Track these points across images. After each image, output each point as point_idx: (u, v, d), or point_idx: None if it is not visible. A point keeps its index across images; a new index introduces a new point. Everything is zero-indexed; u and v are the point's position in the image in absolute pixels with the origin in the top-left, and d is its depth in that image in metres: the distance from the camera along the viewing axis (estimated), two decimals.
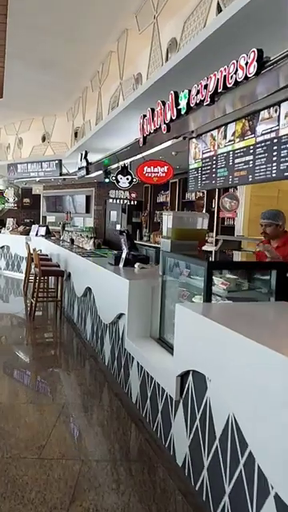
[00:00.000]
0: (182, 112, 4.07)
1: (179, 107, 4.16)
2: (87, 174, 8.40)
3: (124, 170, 7.09)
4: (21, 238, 11.19)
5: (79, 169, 9.03)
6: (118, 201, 7.48)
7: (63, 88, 9.06)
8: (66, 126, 10.97)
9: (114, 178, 7.08)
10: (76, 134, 10.31)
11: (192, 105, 3.85)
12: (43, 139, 11.88)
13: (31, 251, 9.19)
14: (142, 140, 5.30)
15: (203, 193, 8.97)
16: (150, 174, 5.66)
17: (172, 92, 4.25)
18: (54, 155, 11.36)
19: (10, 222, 12.08)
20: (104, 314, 4.68)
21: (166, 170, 5.66)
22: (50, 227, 11.43)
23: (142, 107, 5.40)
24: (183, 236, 3.96)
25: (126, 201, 7.64)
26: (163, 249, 4.14)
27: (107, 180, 9.62)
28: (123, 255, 4.85)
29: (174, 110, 4.24)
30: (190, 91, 3.92)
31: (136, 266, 4.73)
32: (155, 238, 10.51)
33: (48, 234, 11.29)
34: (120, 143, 7.98)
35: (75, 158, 10.58)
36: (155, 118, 4.79)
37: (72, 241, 8.65)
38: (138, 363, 3.59)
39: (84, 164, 8.52)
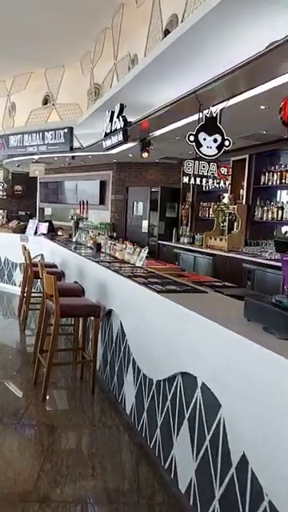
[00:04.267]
0: None
1: None
2: (126, 140, 5.22)
3: (211, 125, 3.92)
4: (13, 238, 8.06)
5: (107, 135, 5.84)
6: (196, 181, 4.28)
7: (82, 13, 5.82)
8: (80, 81, 7.75)
9: (191, 140, 3.90)
10: (96, 93, 7.11)
11: None
12: (45, 102, 8.63)
13: (34, 259, 6.03)
14: None
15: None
16: None
17: None
18: (61, 122, 8.12)
19: None
20: None
21: None
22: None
23: None
24: None
25: (211, 180, 4.47)
26: None
27: (146, 155, 6.48)
28: None
29: None
30: None
31: None
32: (208, 241, 7.37)
33: (51, 233, 8.16)
34: (183, 88, 4.79)
35: (92, 126, 7.38)
36: None
37: (98, 247, 5.48)
38: None
39: (119, 125, 5.33)
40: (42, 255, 7.67)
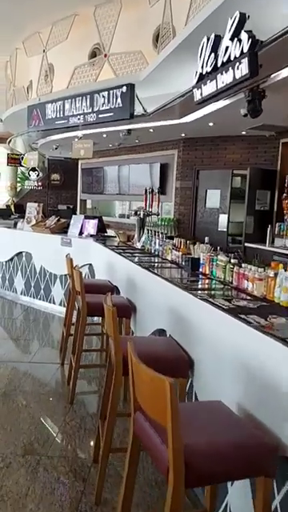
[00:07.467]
0: None
1: None
2: (255, 73, 2.87)
3: None
4: (52, 240, 5.96)
5: (203, 78, 3.52)
6: None
7: None
8: (144, 18, 5.46)
9: None
10: (170, 33, 4.80)
11: None
12: (94, 54, 6.38)
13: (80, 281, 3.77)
14: None
15: None
16: None
17: None
18: (116, 79, 5.85)
19: (31, 208, 6.71)
20: None
21: None
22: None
23: None
24: None
25: None
26: None
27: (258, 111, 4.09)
28: None
29: None
30: None
31: None
32: None
33: (101, 233, 6.00)
34: None
35: (166, 80, 5.13)
36: None
37: (195, 263, 3.16)
38: None
39: (238, 51, 2.99)
40: (91, 265, 5.51)
